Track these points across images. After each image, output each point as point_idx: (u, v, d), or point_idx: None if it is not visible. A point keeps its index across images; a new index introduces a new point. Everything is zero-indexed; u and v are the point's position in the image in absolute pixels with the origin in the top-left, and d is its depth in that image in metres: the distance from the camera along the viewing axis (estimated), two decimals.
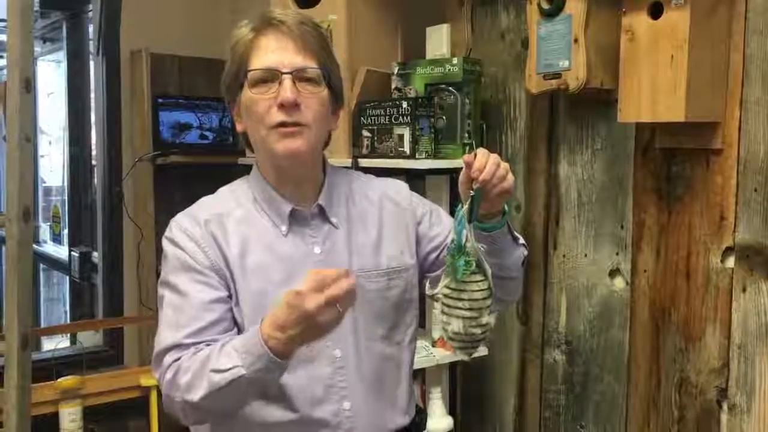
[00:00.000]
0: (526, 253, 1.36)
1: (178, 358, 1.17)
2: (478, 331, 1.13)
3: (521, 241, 1.34)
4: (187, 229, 1.24)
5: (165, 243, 1.26)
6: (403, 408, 1.34)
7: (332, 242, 1.28)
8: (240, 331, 1.22)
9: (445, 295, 1.14)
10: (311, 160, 1.28)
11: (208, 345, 1.17)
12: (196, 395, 1.12)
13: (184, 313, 1.19)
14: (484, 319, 1.13)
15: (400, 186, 1.43)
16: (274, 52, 1.21)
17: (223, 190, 1.34)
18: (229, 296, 1.22)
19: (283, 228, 1.26)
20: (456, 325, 1.13)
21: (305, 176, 1.29)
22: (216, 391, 1.11)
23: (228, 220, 1.26)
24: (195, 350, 1.17)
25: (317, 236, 1.28)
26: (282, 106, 1.19)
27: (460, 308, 1.12)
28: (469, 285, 1.12)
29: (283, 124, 1.20)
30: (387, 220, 1.34)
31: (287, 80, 1.19)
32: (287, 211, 1.26)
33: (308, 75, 1.22)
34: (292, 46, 1.21)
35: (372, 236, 1.32)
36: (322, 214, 1.29)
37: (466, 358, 1.19)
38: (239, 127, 1.29)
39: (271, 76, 1.20)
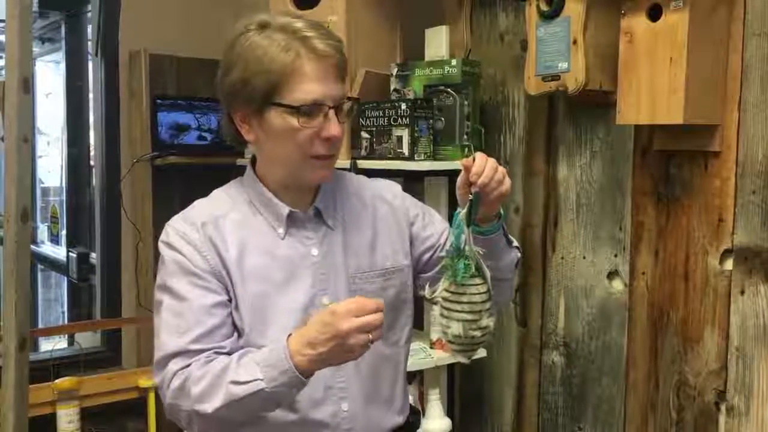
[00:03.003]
0: (519, 255, 1.37)
1: (186, 366, 1.16)
2: (477, 333, 1.13)
3: (515, 243, 1.35)
4: (184, 232, 1.23)
5: (162, 247, 1.25)
6: (398, 407, 1.35)
7: (329, 244, 1.28)
8: (240, 335, 1.22)
9: (445, 299, 1.14)
10: None
11: (217, 353, 1.17)
12: (210, 406, 1.12)
13: (185, 318, 1.18)
14: (484, 322, 1.14)
15: (392, 187, 1.43)
16: (319, 83, 1.18)
17: (218, 193, 1.33)
18: (229, 300, 1.22)
19: (281, 231, 1.26)
20: (456, 328, 1.13)
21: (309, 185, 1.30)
22: (232, 403, 1.11)
23: (224, 222, 1.25)
24: (206, 359, 1.16)
25: (314, 238, 1.28)
26: (328, 140, 1.19)
27: (460, 311, 1.13)
28: (468, 288, 1.12)
29: (323, 156, 1.21)
30: (381, 220, 1.35)
31: (333, 114, 1.19)
32: (285, 213, 1.26)
33: (344, 105, 1.22)
34: (332, 75, 1.20)
35: (367, 237, 1.32)
36: (319, 217, 1.29)
37: (465, 360, 1.19)
38: (250, 137, 1.25)
39: (316, 109, 1.18)
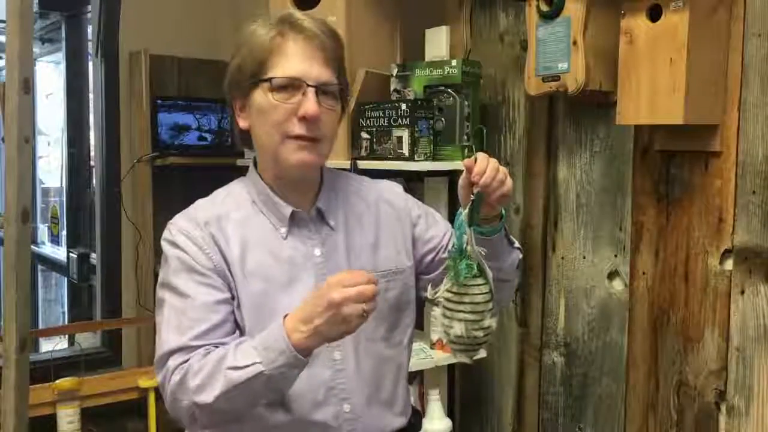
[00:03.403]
0: (521, 256, 1.37)
1: (186, 360, 1.15)
2: (480, 333, 1.14)
3: (516, 244, 1.35)
4: (187, 231, 1.23)
5: (165, 245, 1.25)
6: (400, 409, 1.35)
7: (331, 244, 1.28)
8: (242, 334, 1.22)
9: (447, 299, 1.14)
10: (316, 169, 1.29)
11: (217, 347, 1.16)
12: (209, 396, 1.11)
13: (187, 315, 1.18)
14: (486, 322, 1.14)
15: (395, 188, 1.43)
16: (300, 61, 1.20)
17: (220, 192, 1.33)
18: (232, 297, 1.22)
19: (283, 230, 1.26)
20: (458, 329, 1.13)
21: (306, 181, 1.29)
22: (232, 389, 1.10)
23: (227, 222, 1.25)
24: (205, 351, 1.16)
25: (316, 238, 1.28)
26: (304, 119, 1.19)
27: (462, 311, 1.13)
28: (470, 288, 1.13)
29: (300, 137, 1.20)
30: (383, 221, 1.35)
31: (312, 93, 1.19)
32: (287, 213, 1.26)
33: (330, 90, 1.22)
34: (318, 58, 1.21)
35: (369, 238, 1.32)
36: (321, 217, 1.29)
37: (467, 361, 1.19)
38: (243, 124, 1.27)
39: (294, 85, 1.19)
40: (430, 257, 1.38)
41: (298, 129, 1.20)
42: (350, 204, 1.34)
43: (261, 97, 1.21)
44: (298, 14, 1.25)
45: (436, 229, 1.39)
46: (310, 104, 1.18)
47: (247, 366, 1.09)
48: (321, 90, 1.20)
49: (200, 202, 1.31)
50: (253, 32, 1.23)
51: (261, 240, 1.25)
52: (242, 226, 1.25)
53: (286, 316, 1.11)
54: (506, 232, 1.29)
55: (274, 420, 1.20)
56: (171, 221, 1.27)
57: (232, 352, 1.12)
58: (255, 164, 1.32)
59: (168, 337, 1.18)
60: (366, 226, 1.33)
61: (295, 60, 1.20)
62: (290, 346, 1.08)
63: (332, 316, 1.06)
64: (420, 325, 2.10)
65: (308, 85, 1.19)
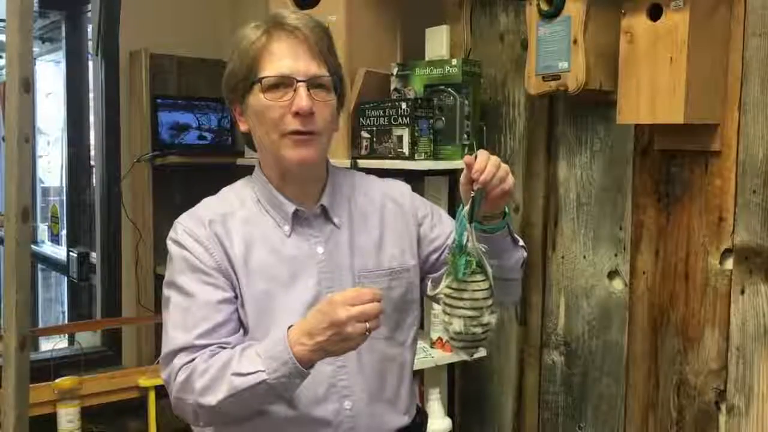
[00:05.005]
0: (525, 254, 1.37)
1: (191, 360, 1.17)
2: (479, 330, 1.14)
3: (521, 242, 1.35)
4: (191, 230, 1.24)
5: (170, 244, 1.26)
6: (403, 408, 1.35)
7: (335, 242, 1.29)
8: (246, 332, 1.22)
9: (447, 295, 1.14)
10: (318, 164, 1.29)
11: (222, 347, 1.18)
12: (214, 398, 1.13)
13: (191, 314, 1.20)
14: (485, 319, 1.14)
15: (401, 187, 1.43)
16: (288, 58, 1.21)
17: (226, 191, 1.34)
18: (235, 296, 1.23)
19: (287, 228, 1.27)
20: (457, 325, 1.13)
21: (310, 178, 1.30)
22: (235, 394, 1.12)
23: (231, 220, 1.26)
24: (210, 353, 1.17)
25: (320, 236, 1.28)
26: (297, 115, 1.20)
27: (462, 308, 1.13)
28: (470, 285, 1.13)
29: (297, 132, 1.21)
30: (388, 220, 1.35)
31: (302, 88, 1.20)
32: (291, 211, 1.27)
33: (321, 83, 1.23)
34: (306, 53, 1.22)
35: (374, 236, 1.32)
36: (325, 215, 1.30)
37: (467, 357, 1.19)
38: (243, 127, 1.29)
39: (285, 83, 1.20)
40: (435, 256, 1.38)
41: (293, 125, 1.20)
42: (355, 202, 1.34)
43: (255, 98, 1.22)
44: (285, 12, 1.26)
45: (441, 228, 1.40)
46: (302, 99, 1.19)
47: (251, 373, 1.11)
48: (312, 84, 1.21)
49: (206, 201, 1.32)
50: (242, 36, 1.25)
51: (265, 238, 1.26)
52: (247, 225, 1.26)
53: (290, 327, 1.12)
54: (510, 231, 1.29)
55: (274, 415, 1.21)
56: (177, 219, 1.29)
57: (237, 358, 1.14)
58: (260, 163, 1.33)
59: (174, 335, 1.20)
60: (371, 225, 1.33)
61: (283, 57, 1.21)
62: (293, 358, 1.09)
63: (335, 335, 1.08)
64: (420, 323, 2.10)
65: (298, 81, 1.20)
